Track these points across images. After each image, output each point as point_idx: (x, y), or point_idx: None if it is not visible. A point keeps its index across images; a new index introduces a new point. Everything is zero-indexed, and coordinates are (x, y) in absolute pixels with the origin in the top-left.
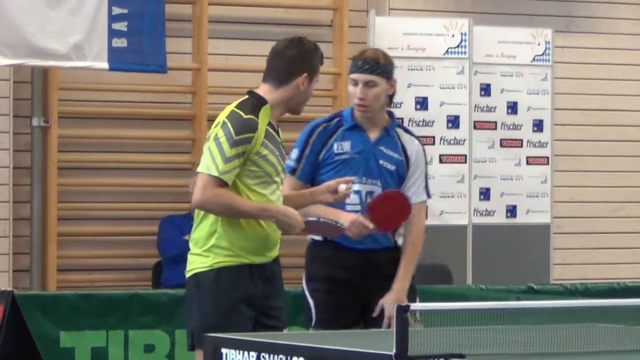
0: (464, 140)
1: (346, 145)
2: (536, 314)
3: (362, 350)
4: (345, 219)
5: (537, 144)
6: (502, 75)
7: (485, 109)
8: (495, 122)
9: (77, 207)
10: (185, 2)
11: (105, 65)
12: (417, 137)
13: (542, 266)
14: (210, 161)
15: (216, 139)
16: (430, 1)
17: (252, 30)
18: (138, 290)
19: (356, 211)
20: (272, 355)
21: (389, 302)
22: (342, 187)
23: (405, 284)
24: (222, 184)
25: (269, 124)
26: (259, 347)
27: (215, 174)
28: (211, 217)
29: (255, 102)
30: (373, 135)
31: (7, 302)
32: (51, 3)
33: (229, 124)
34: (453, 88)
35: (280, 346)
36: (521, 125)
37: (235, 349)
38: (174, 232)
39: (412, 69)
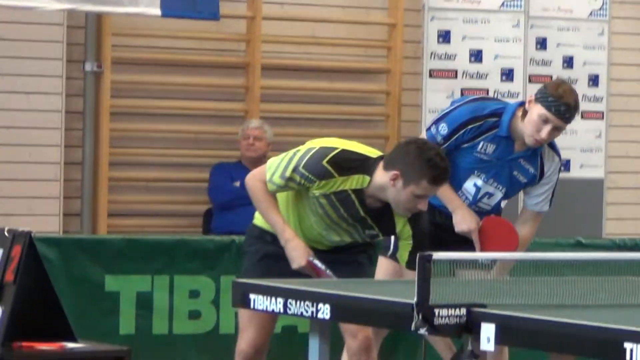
0: (518, 93)
1: (490, 148)
2: (576, 267)
3: (385, 298)
4: (459, 214)
5: (592, 99)
6: (558, 30)
7: (540, 63)
8: (551, 76)
9: (129, 152)
10: None
11: (157, 11)
12: (559, 154)
13: (596, 221)
14: (275, 166)
15: (296, 153)
16: None
17: None
18: (184, 235)
19: (467, 200)
20: (298, 302)
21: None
22: None
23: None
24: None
25: (357, 194)
26: (286, 294)
27: (266, 178)
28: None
29: (357, 164)
30: (519, 147)
31: (25, 243)
32: None
33: (310, 155)
34: (508, 41)
35: (307, 293)
36: (577, 80)
37: (263, 294)
38: (225, 179)
39: (467, 21)
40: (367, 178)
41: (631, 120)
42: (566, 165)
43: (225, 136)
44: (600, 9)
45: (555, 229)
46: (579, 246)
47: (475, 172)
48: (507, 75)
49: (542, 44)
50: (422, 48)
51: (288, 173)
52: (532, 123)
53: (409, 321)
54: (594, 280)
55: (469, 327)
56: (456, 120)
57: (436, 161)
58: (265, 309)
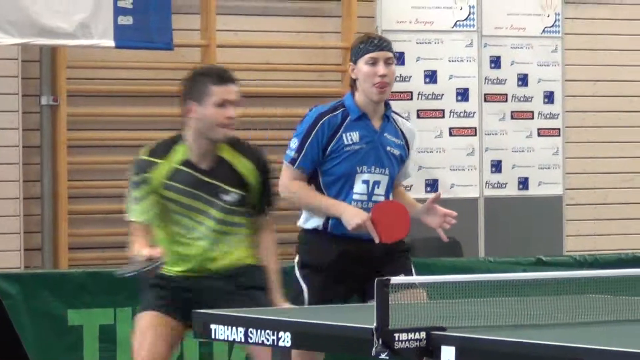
0: (474, 113)
1: (355, 136)
2: (540, 286)
3: (344, 324)
4: (349, 214)
5: (548, 116)
6: (511, 48)
7: (495, 81)
8: (506, 95)
9: (87, 185)
10: None
11: (111, 43)
12: (407, 119)
13: (555, 238)
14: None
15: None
16: None
17: (261, 5)
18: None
19: (362, 201)
20: (259, 331)
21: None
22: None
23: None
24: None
25: (188, 165)
26: (247, 323)
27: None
28: None
29: (169, 141)
30: (377, 123)
31: None
32: None
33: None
34: (462, 61)
35: (267, 321)
36: (532, 97)
37: (223, 324)
38: None
39: (420, 43)
40: (185, 144)
41: (587, 136)
42: (524, 183)
43: None
44: (552, 25)
45: (517, 246)
46: (540, 264)
47: (357, 168)
48: (462, 95)
49: (496, 62)
50: None
51: (132, 193)
52: (364, 76)
53: (370, 346)
54: (553, 299)
55: (430, 350)
56: (303, 128)
57: (208, 67)
58: (226, 338)
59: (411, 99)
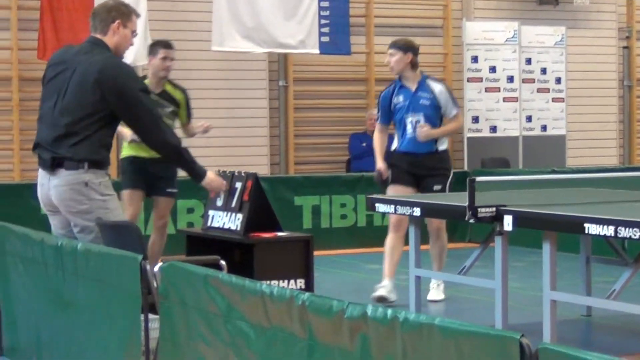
0: (516, 89)
1: (400, 98)
2: (561, 182)
3: (451, 203)
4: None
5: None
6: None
7: (527, 71)
8: (534, 78)
9: (305, 131)
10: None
11: (317, 51)
12: (439, 80)
13: (560, 157)
14: None
15: None
16: (498, 10)
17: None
18: (337, 173)
19: (413, 137)
20: (402, 206)
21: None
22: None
23: (435, 131)
24: None
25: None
26: (394, 202)
27: None
28: None
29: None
30: (413, 87)
31: (254, 179)
32: (287, 16)
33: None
34: (509, 61)
35: (406, 202)
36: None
37: (382, 203)
38: (356, 142)
39: (488, 50)
40: (146, 79)
41: None
42: (544, 127)
43: None
44: None
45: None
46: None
47: (404, 116)
48: (510, 79)
49: (528, 62)
50: None
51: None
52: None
53: (464, 215)
54: (574, 191)
55: (497, 218)
56: (377, 102)
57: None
58: (384, 211)
59: (482, 81)
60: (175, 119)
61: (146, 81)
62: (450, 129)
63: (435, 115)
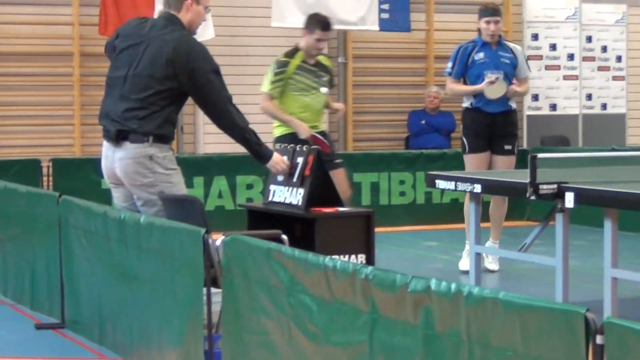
0: (576, 67)
1: (481, 55)
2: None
3: (512, 180)
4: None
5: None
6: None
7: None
8: (594, 56)
9: (364, 108)
10: None
11: (377, 27)
12: (516, 46)
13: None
14: (265, 82)
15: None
16: None
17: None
18: (395, 150)
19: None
20: (463, 183)
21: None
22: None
23: (520, 89)
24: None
25: (301, 61)
26: (455, 179)
27: (265, 91)
28: None
29: (290, 50)
30: (493, 46)
31: (315, 154)
32: None
33: (273, 64)
34: (570, 39)
35: (467, 178)
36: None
37: (442, 180)
38: (415, 119)
39: (548, 28)
40: (300, 50)
41: None
42: (604, 106)
43: None
44: None
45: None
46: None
47: (484, 72)
48: (571, 57)
49: (589, 39)
50: None
51: (272, 77)
52: (485, 29)
53: (526, 192)
54: (635, 169)
55: (559, 195)
56: (452, 55)
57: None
58: (444, 187)
59: (542, 59)
60: (331, 88)
61: (299, 53)
62: (526, 89)
63: (512, 74)
